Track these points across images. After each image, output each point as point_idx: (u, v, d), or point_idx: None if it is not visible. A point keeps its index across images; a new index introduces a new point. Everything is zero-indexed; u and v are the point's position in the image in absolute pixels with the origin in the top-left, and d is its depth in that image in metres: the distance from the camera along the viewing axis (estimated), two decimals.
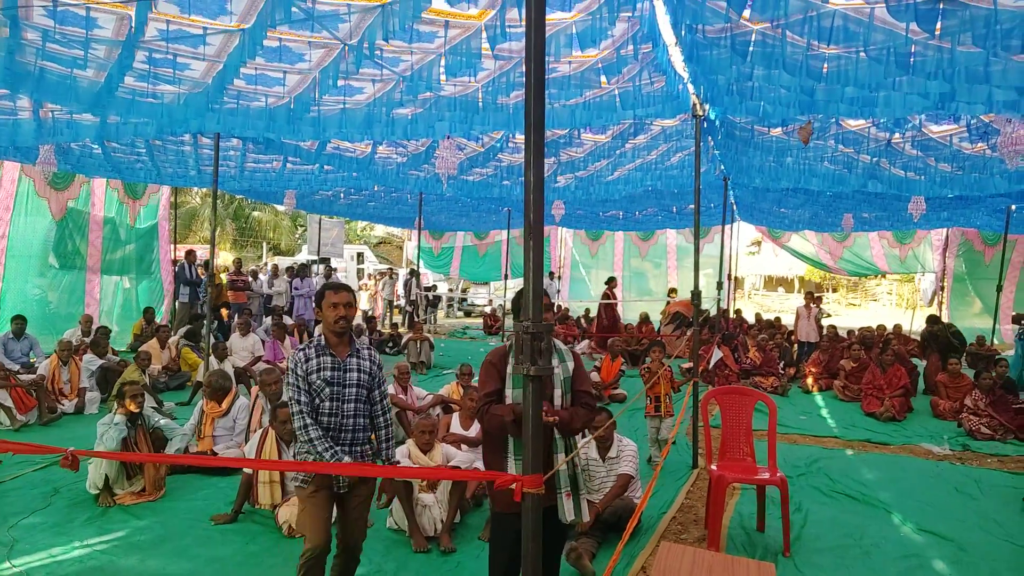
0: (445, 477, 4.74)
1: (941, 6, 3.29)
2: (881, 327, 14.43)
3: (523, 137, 7.68)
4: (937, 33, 3.57)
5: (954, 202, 11.47)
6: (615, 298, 16.28)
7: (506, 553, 3.15)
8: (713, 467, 5.01)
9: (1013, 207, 12.57)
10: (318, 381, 3.33)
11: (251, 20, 3.93)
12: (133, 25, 3.96)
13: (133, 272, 14.03)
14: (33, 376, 8.09)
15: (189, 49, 4.50)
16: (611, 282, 16.73)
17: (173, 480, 5.77)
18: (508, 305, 19.60)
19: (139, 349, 9.16)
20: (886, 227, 17.06)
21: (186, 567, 4.33)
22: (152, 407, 7.11)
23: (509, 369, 3.19)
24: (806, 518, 5.42)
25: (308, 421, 3.29)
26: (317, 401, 3.34)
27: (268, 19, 3.79)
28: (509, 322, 18.19)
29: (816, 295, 15.24)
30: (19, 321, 9.62)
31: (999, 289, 13.61)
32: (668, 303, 16.38)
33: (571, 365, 3.30)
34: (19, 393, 7.54)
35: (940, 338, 11.86)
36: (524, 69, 1.93)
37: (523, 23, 4.03)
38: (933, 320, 12.97)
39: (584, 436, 5.11)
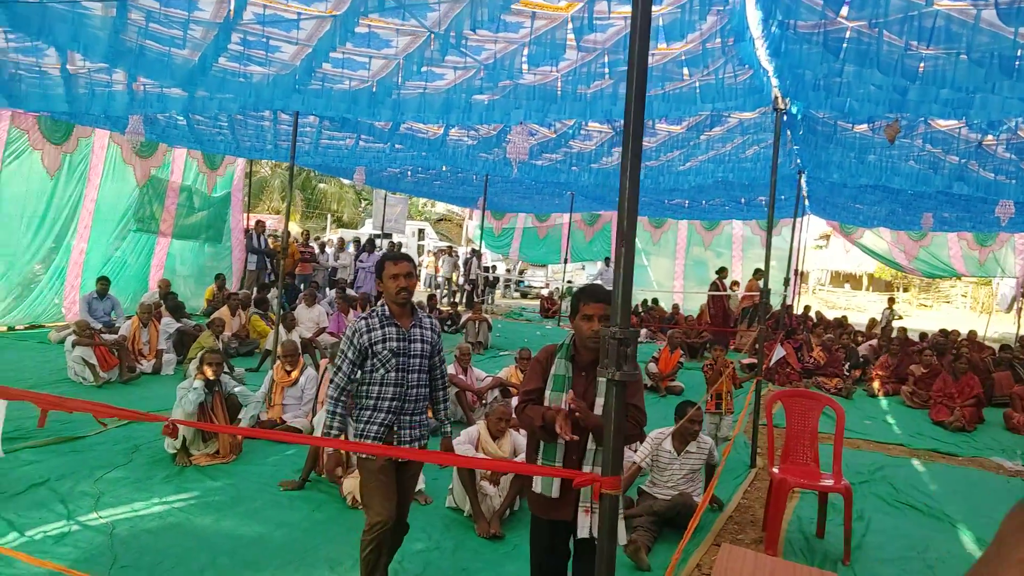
0: (507, 469, 4.74)
1: None
2: (955, 332, 13.87)
3: (596, 124, 7.65)
4: None
5: None
6: (725, 290, 15.25)
7: (539, 553, 3.15)
8: (775, 470, 4.95)
9: None
10: (384, 351, 3.36)
11: (344, 7, 4.02)
12: (232, 9, 4.10)
13: (201, 237, 14.52)
14: (115, 336, 8.54)
15: (282, 33, 4.63)
16: (722, 272, 15.60)
17: (246, 444, 6.03)
18: (564, 288, 19.65)
19: (212, 316, 9.55)
20: (967, 228, 16.31)
21: (257, 529, 4.54)
22: (225, 372, 7.42)
23: (552, 369, 3.07)
24: (868, 527, 5.33)
25: (333, 393, 3.42)
26: (383, 371, 3.37)
27: (361, 6, 3.87)
28: (565, 306, 18.20)
29: (889, 296, 14.73)
30: (103, 282, 10.13)
31: None
32: (739, 296, 15.78)
33: None
34: (103, 352, 7.97)
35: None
36: (625, 87, 1.94)
37: (614, 12, 4.02)
38: None
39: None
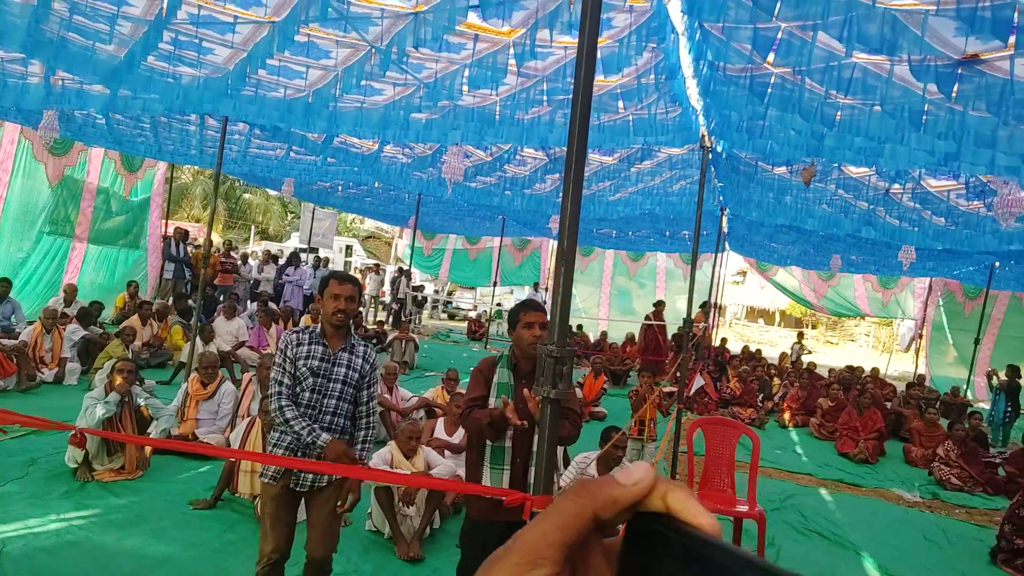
0: (429, 486, 4.70)
1: (960, 71, 3.40)
2: (859, 368, 14.65)
3: (531, 151, 7.77)
4: (953, 96, 3.68)
5: (941, 254, 11.67)
6: (662, 322, 15.36)
7: (478, 560, 3.16)
8: None
9: (997, 264, 12.82)
10: (303, 368, 3.22)
11: (283, 14, 3.96)
12: (165, 7, 3.97)
13: (119, 243, 13.87)
14: (15, 341, 8.00)
15: (216, 35, 4.51)
16: (660, 305, 15.79)
17: (154, 460, 5.74)
18: (493, 311, 19.69)
19: (123, 324, 9.08)
20: (872, 271, 17.33)
21: (163, 549, 4.31)
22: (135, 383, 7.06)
23: (495, 378, 3.23)
24: (779, 554, 5.51)
25: (284, 403, 3.17)
26: (298, 390, 3.23)
27: (301, 15, 3.82)
28: (493, 329, 18.23)
29: (799, 331, 15.42)
30: (4, 284, 9.50)
31: (977, 342, 13.86)
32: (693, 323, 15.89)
33: None
34: (0, 357, 7.45)
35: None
36: (563, 111, 1.98)
37: (555, 42, 4.11)
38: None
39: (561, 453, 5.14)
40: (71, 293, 10.35)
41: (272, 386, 3.26)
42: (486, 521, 3.11)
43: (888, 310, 20.83)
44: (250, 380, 6.52)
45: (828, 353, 30.09)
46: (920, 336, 19.55)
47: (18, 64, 6.29)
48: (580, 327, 18.35)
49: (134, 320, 9.82)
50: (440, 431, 6.19)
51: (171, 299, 12.31)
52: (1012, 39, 3.00)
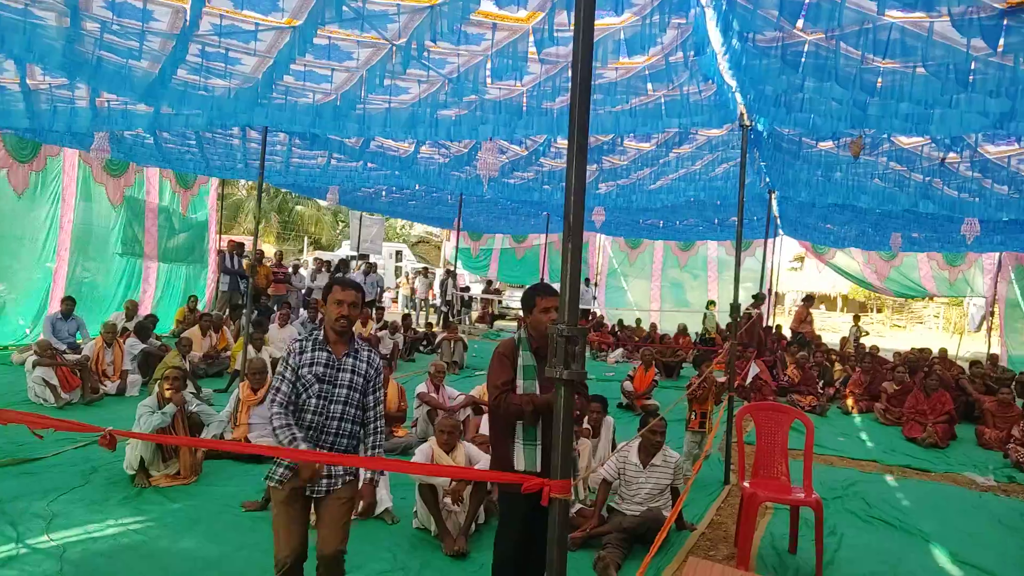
0: (463, 476, 4.67)
1: (1006, 22, 3.18)
2: (927, 350, 14.01)
3: (565, 142, 7.69)
4: (1000, 50, 3.45)
5: (1009, 226, 11.09)
6: (762, 317, 14.48)
7: (513, 532, 3.24)
8: (745, 484, 4.91)
9: None
10: (308, 375, 3.18)
11: (302, 17, 3.99)
12: (188, 19, 4.06)
13: (186, 260, 14.43)
14: (78, 356, 8.34)
15: (241, 44, 4.59)
16: (760, 299, 14.63)
17: (208, 465, 5.87)
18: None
19: (180, 335, 9.38)
20: (936, 248, 16.58)
21: (215, 551, 4.40)
22: (191, 392, 7.26)
23: (520, 361, 3.25)
24: (840, 542, 5.28)
25: (276, 409, 3.14)
26: (304, 397, 3.19)
27: (319, 17, 3.85)
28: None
29: (854, 314, 14.83)
30: (68, 302, 9.92)
31: None
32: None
33: None
34: (64, 372, 7.77)
35: None
36: (571, 71, 1.91)
37: (571, 26, 4.03)
38: None
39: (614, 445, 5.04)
40: (132, 308, 10.73)
41: (271, 394, 3.24)
42: (519, 495, 3.09)
43: (956, 288, 19.85)
44: None
45: (896, 337, 28.97)
46: (992, 314, 18.59)
47: (65, 89, 6.54)
48: (639, 321, 18.12)
49: (193, 331, 10.15)
50: (486, 427, 6.16)
51: (227, 311, 12.66)
52: None
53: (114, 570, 4.03)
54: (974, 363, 12.71)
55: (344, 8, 3.61)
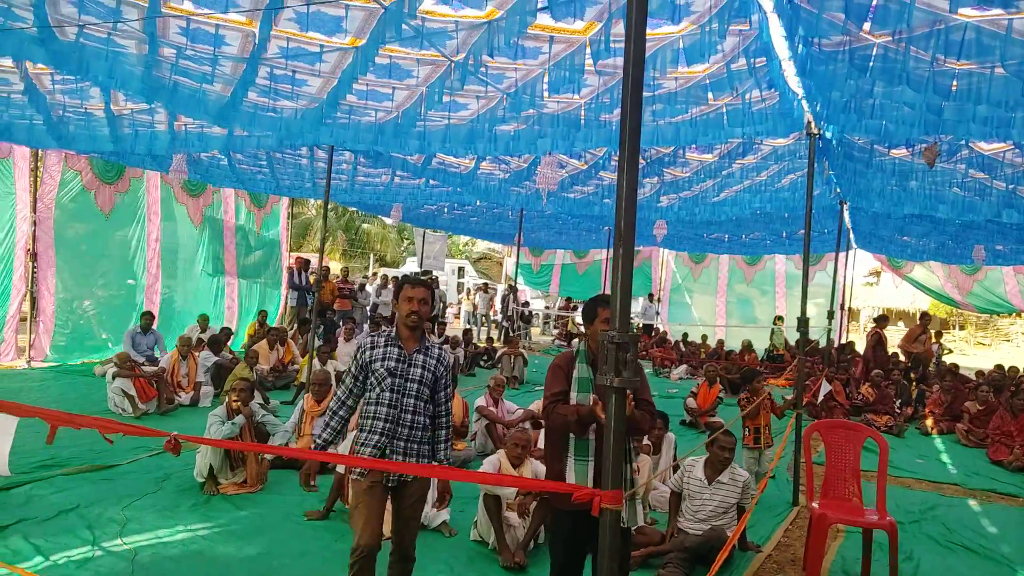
0: (515, 485, 4.67)
1: None
2: (1012, 368, 13.21)
3: None
4: None
5: None
6: (885, 340, 13.74)
7: (562, 549, 3.22)
8: (814, 505, 4.71)
9: None
10: (381, 369, 3.34)
11: (365, 37, 4.10)
12: (256, 42, 4.23)
13: (261, 277, 15.01)
14: (155, 368, 8.71)
15: (306, 66, 4.75)
16: (882, 322, 14.25)
17: (273, 475, 6.02)
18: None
19: (251, 349, 9.70)
20: (1022, 261, 15.66)
21: (278, 558, 4.49)
22: (259, 403, 7.49)
23: (575, 373, 3.23)
24: (918, 568, 5.01)
25: (338, 400, 3.42)
26: (378, 391, 3.34)
27: (380, 36, 3.95)
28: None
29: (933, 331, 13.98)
30: (147, 317, 10.40)
31: None
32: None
33: None
34: (142, 384, 8.13)
35: None
36: (622, 69, 1.90)
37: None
38: None
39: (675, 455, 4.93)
40: (204, 322, 11.17)
41: (338, 387, 3.46)
42: (569, 511, 3.06)
43: None
44: None
45: (980, 355, 27.42)
46: None
47: (145, 114, 6.91)
48: (704, 337, 17.75)
49: (261, 345, 10.49)
50: (542, 441, 6.11)
51: (295, 325, 13.04)
52: None
53: (181, 573, 4.16)
54: None
55: (404, 27, 3.70)
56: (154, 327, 10.50)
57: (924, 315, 13.65)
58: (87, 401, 8.34)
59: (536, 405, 7.57)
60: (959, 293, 19.41)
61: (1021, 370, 13.06)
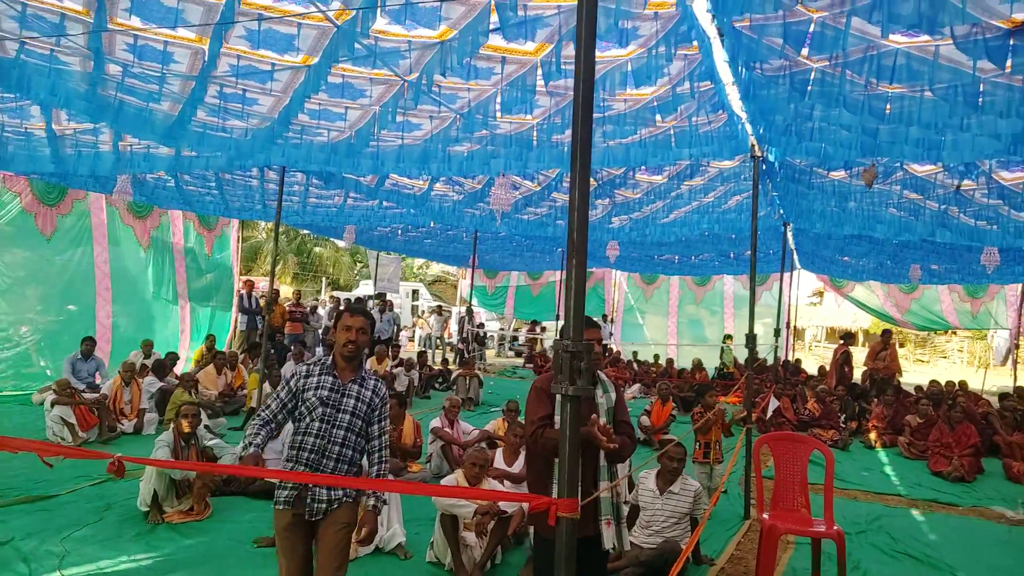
0: (481, 497, 4.64)
1: (1012, 41, 3.20)
2: (949, 383, 13.74)
3: None
4: (1008, 70, 3.46)
5: None
6: (851, 357, 14.20)
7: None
8: (765, 516, 4.80)
9: None
10: (312, 398, 3.23)
11: (317, 56, 4.11)
12: (206, 59, 4.18)
13: (213, 300, 14.64)
14: (96, 395, 8.40)
15: (258, 85, 4.72)
16: (848, 339, 14.86)
17: (221, 502, 5.85)
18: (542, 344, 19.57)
19: (187, 373, 9.43)
20: (956, 280, 16.38)
21: None
22: (205, 425, 7.28)
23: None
24: None
25: (256, 420, 3.27)
26: (308, 420, 3.22)
27: (333, 55, 3.95)
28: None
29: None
30: (88, 342, 10.02)
31: None
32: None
33: (614, 395, 3.32)
34: (82, 411, 7.83)
35: None
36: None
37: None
38: None
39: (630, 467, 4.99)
40: (148, 347, 10.83)
41: (261, 410, 3.32)
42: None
43: (979, 321, 19.56)
44: None
45: (919, 372, 28.42)
46: (1017, 347, 18.23)
47: (89, 134, 6.74)
48: (656, 356, 17.98)
49: (207, 371, 10.23)
50: (499, 461, 6.10)
51: (243, 349, 12.76)
52: None
53: None
54: (1004, 395, 12.44)
55: (357, 46, 3.72)
56: (96, 353, 10.13)
57: (886, 332, 14.02)
58: (24, 430, 7.99)
59: (492, 425, 7.56)
60: (898, 311, 20.14)
61: (957, 385, 13.58)
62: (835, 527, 4.66)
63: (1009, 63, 3.38)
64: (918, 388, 13.55)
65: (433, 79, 4.14)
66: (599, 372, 3.33)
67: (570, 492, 1.92)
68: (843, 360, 13.62)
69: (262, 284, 19.42)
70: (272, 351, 11.28)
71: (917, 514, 7.04)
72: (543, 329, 22.16)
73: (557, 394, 3.11)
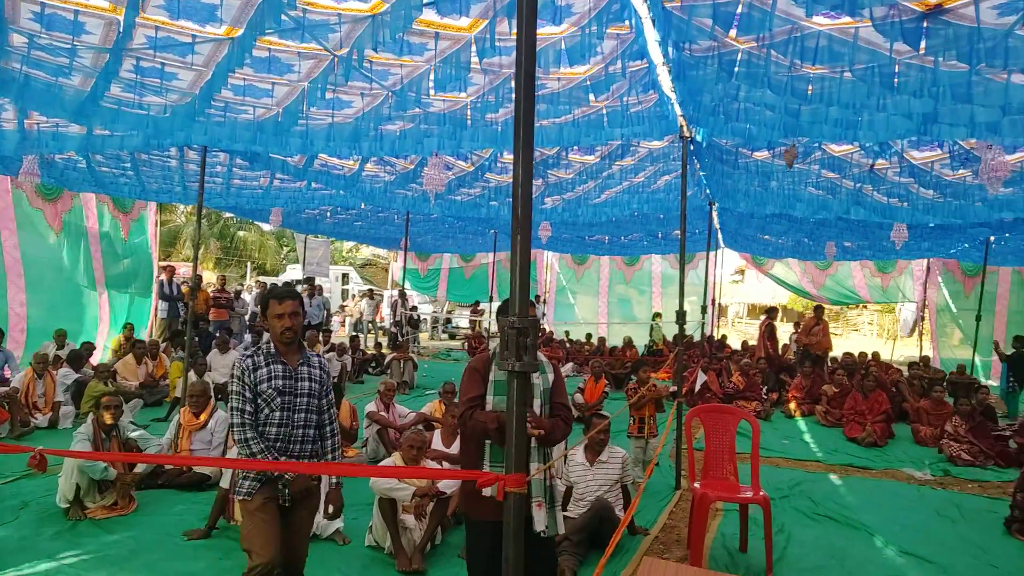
0: (421, 476, 4.65)
1: (926, 24, 3.36)
2: (862, 354, 14.53)
3: (511, 156, 7.73)
4: (921, 52, 3.63)
5: (935, 232, 11.61)
6: (775, 330, 14.56)
7: (484, 563, 3.12)
8: (696, 485, 4.97)
9: (992, 239, 12.74)
10: (269, 390, 3.20)
11: (241, 28, 3.93)
12: (121, 30, 3.94)
13: (132, 287, 13.94)
14: (6, 388, 7.92)
15: (177, 58, 4.48)
16: (772, 313, 15.06)
17: (147, 495, 5.64)
18: (494, 325, 19.60)
19: (103, 364, 9.01)
20: (868, 256, 17.25)
21: None
22: (131, 421, 6.98)
23: (492, 376, 3.19)
24: (789, 539, 5.40)
25: (250, 434, 3.17)
26: (267, 411, 3.20)
27: (258, 27, 3.78)
28: (494, 344, 18.10)
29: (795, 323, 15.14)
30: None
31: (978, 319, 13.74)
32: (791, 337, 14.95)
33: (551, 377, 3.31)
34: None
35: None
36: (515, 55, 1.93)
37: (513, 34, 4.07)
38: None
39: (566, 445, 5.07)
40: (61, 337, 10.26)
41: (234, 416, 3.21)
42: (489, 521, 3.00)
43: (889, 295, 20.71)
44: None
45: (834, 344, 29.85)
46: (923, 319, 19.41)
47: None
48: (588, 336, 18.24)
49: (127, 360, 9.80)
50: (437, 442, 6.10)
51: (164, 338, 12.27)
52: None
53: None
54: (912, 364, 13.22)
55: (284, 17, 3.57)
56: (6, 345, 9.54)
57: (818, 308, 14.57)
58: None
59: (429, 407, 7.53)
60: (814, 287, 21.09)
61: (869, 356, 14.37)
62: (761, 493, 4.86)
63: (923, 45, 3.55)
64: (833, 359, 14.26)
65: (364, 54, 4.03)
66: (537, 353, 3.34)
67: (517, 467, 1.93)
68: (768, 333, 14.16)
69: (183, 270, 18.69)
70: (196, 339, 10.88)
71: (835, 478, 7.43)
72: (482, 312, 22.14)
73: (489, 375, 3.20)
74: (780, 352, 14.28)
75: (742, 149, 7.14)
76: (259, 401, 3.21)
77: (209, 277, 18.83)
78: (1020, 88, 3.97)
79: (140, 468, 5.63)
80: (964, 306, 17.84)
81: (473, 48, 4.11)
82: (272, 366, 3.24)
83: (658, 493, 6.46)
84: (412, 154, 6.81)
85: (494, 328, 20.56)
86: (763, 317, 15.07)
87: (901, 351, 22.13)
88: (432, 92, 4.84)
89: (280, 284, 13.50)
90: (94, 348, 10.52)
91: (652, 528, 5.48)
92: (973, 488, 7.28)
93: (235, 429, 3.22)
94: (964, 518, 6.16)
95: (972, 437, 8.43)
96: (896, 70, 3.97)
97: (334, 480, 3.48)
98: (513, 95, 4.92)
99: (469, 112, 5.42)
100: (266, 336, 3.33)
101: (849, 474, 7.67)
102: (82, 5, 3.74)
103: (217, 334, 12.41)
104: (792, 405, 11.23)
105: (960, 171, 6.96)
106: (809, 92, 4.59)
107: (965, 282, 18.08)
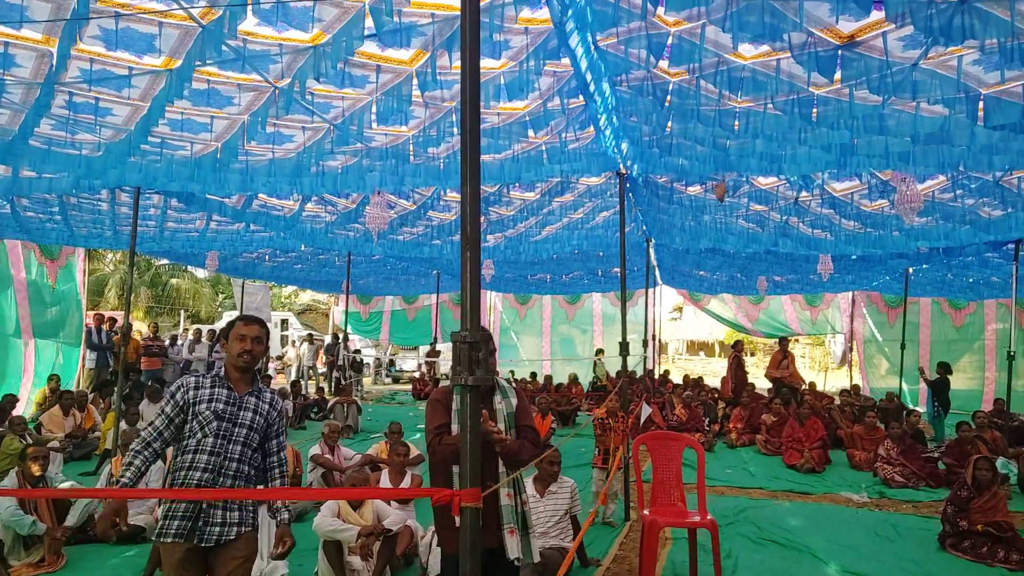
0: (373, 496, 4.57)
1: (840, 54, 3.60)
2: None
3: (454, 194, 7.79)
4: (836, 83, 3.88)
5: (858, 264, 12.20)
6: (743, 362, 14.86)
7: None
8: (645, 512, 5.00)
9: (911, 270, 13.43)
10: (206, 412, 2.99)
11: (179, 59, 3.90)
12: (54, 62, 3.86)
13: (60, 336, 13.30)
14: None
15: (112, 92, 4.41)
16: (739, 345, 15.37)
17: (77, 550, 5.31)
18: (440, 369, 19.41)
19: (18, 416, 8.52)
20: (797, 290, 17.96)
21: None
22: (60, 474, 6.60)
23: (454, 406, 3.14)
24: (736, 564, 5.47)
25: (139, 441, 2.96)
26: (200, 436, 2.97)
27: (197, 57, 3.77)
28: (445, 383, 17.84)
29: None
30: None
31: (903, 348, 14.36)
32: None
33: (514, 401, 3.31)
34: None
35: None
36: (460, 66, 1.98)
37: (455, 67, 4.16)
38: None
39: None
40: None
41: (143, 431, 3.03)
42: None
43: (818, 327, 21.49)
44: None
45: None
46: (851, 350, 20.19)
47: None
48: (533, 375, 18.24)
49: (53, 412, 9.31)
50: (385, 482, 5.97)
51: (92, 388, 11.73)
52: (880, 14, 3.19)
53: None
54: (844, 392, 13.69)
55: (224, 47, 3.58)
56: None
57: (783, 340, 14.79)
58: None
59: (375, 448, 7.38)
60: (748, 321, 21.75)
61: (805, 385, 14.81)
62: (709, 517, 4.93)
63: (838, 75, 3.80)
64: (770, 390, 14.65)
65: (306, 86, 4.06)
66: (497, 378, 3.34)
67: (472, 482, 1.93)
68: (736, 365, 14.48)
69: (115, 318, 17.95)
70: (128, 388, 10.42)
71: (777, 504, 7.58)
72: (438, 353, 21.80)
73: (452, 404, 3.17)
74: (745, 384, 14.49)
75: (676, 184, 7.39)
76: (194, 424, 3.00)
77: (140, 326, 18.15)
78: (929, 119, 4.28)
79: (71, 521, 5.31)
80: (889, 336, 18.64)
81: (415, 81, 4.18)
82: (217, 389, 3.06)
83: (609, 525, 6.46)
84: (354, 191, 6.80)
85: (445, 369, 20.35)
86: (731, 352, 15.42)
87: (833, 382, 22.91)
88: (375, 125, 4.88)
89: (218, 329, 13.08)
90: (17, 400, 9.93)
91: (604, 559, 5.46)
92: (907, 508, 7.55)
93: (136, 441, 2.99)
94: (900, 536, 6.37)
95: (904, 460, 8.75)
96: (815, 101, 4.23)
97: (284, 517, 3.18)
98: (455, 129, 5.05)
99: (411, 146, 5.48)
100: (218, 365, 3.21)
101: (791, 499, 7.84)
102: (12, 36, 3.65)
103: (148, 383, 11.94)
104: (733, 435, 11.45)
105: (878, 201, 7.37)
106: (736, 127, 4.82)
107: (888, 313, 18.95)
